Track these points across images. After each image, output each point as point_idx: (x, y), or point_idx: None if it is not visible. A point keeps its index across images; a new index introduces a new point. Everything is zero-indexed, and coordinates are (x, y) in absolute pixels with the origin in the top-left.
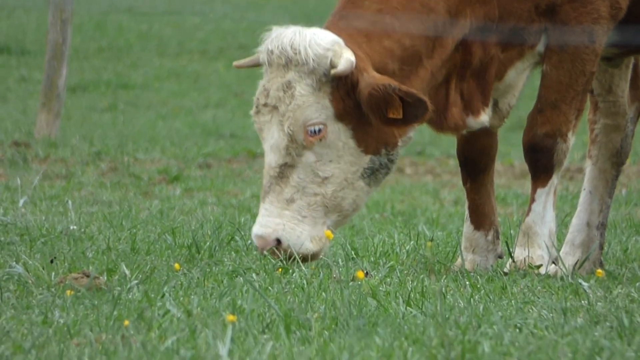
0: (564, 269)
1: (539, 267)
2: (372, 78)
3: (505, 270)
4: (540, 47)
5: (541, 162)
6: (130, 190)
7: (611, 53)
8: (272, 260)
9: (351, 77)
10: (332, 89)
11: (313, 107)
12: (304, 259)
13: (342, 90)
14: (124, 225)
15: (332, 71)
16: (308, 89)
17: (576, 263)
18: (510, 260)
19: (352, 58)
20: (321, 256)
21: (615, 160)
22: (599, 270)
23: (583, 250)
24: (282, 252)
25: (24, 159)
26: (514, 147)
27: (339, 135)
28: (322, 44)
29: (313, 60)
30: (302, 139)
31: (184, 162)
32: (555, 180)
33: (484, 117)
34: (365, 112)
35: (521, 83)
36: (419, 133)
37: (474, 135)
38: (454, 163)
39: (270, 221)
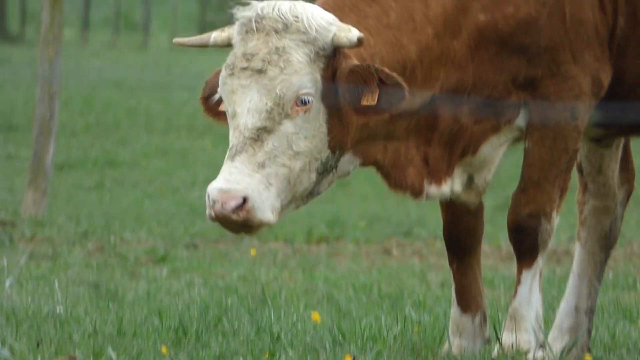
0: (551, 355)
1: (526, 352)
2: (354, 61)
3: (494, 355)
4: (520, 122)
5: (526, 243)
6: (116, 271)
7: (598, 134)
8: (222, 225)
9: (335, 60)
10: (325, 65)
11: (308, 76)
12: (258, 226)
13: (331, 70)
14: (110, 307)
15: (345, 40)
16: (305, 57)
17: (564, 348)
18: (498, 345)
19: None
20: (258, 232)
21: (605, 243)
22: (587, 356)
23: (571, 335)
24: (239, 214)
25: (10, 238)
26: (501, 228)
27: (318, 115)
28: (325, 17)
29: (316, 30)
30: (289, 106)
31: (170, 242)
32: (540, 261)
33: (445, 188)
34: (340, 97)
35: (497, 159)
36: (406, 213)
37: (459, 216)
38: (441, 244)
39: (240, 179)
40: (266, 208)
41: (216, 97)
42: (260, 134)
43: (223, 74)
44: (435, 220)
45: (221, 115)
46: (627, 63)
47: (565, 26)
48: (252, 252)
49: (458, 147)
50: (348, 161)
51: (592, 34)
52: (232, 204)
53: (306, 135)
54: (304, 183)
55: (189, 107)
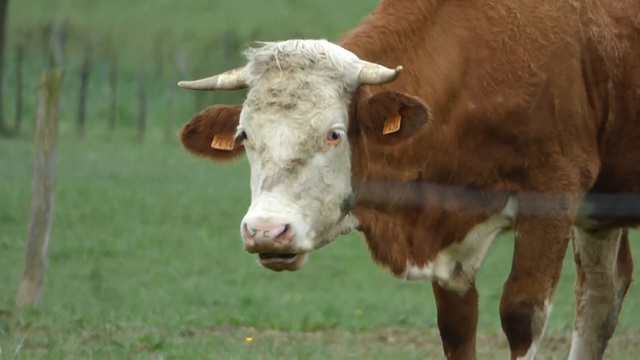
0: None
1: None
2: (372, 93)
3: None
4: (509, 212)
5: (519, 331)
6: (112, 359)
7: (592, 225)
8: (262, 255)
9: (358, 96)
10: (350, 102)
11: (339, 111)
12: (297, 255)
13: (354, 107)
14: None
15: (375, 76)
16: (335, 93)
17: None
18: None
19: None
20: (300, 267)
21: (602, 332)
22: None
23: None
24: (281, 241)
25: (6, 327)
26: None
27: (345, 150)
28: (350, 55)
29: (344, 67)
30: (323, 139)
31: (166, 330)
32: (534, 349)
33: (427, 271)
34: (363, 130)
35: (485, 247)
36: (402, 302)
37: (453, 304)
38: (437, 332)
39: (280, 208)
40: (305, 236)
41: (200, 130)
42: (294, 166)
43: (247, 109)
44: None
45: (204, 152)
46: (619, 157)
47: (554, 118)
48: (249, 339)
49: (442, 233)
50: (349, 219)
51: (580, 127)
52: (275, 231)
53: (334, 169)
54: (331, 218)
55: (184, 198)
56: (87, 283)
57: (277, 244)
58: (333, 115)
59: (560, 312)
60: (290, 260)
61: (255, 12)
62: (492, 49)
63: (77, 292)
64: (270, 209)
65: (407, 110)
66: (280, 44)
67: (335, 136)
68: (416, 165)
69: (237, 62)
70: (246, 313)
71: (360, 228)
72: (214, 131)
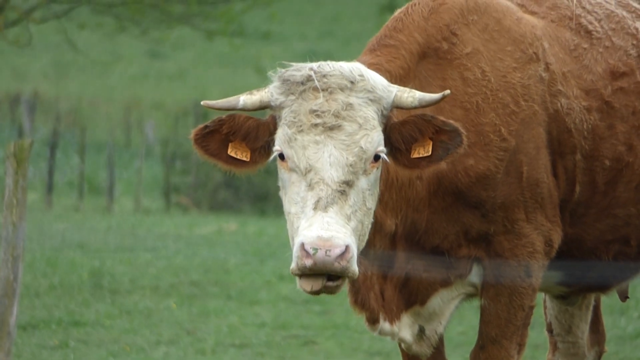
0: None
1: None
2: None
3: None
4: (473, 279)
5: None
6: None
7: (561, 291)
8: (314, 276)
9: (388, 119)
10: (383, 126)
11: (381, 134)
12: (349, 278)
13: (384, 130)
14: None
15: (411, 99)
16: (376, 116)
17: None
18: None
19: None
20: (339, 291)
21: None
22: None
23: None
24: (340, 262)
25: None
26: None
27: (379, 174)
28: (383, 78)
29: (381, 90)
30: (369, 162)
31: None
32: None
33: (395, 329)
34: (390, 151)
35: (449, 312)
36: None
37: None
38: None
39: (339, 229)
40: (356, 260)
41: (210, 131)
42: (345, 188)
43: (287, 131)
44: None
45: (216, 156)
46: (587, 228)
47: (522, 185)
48: None
49: (405, 294)
50: None
51: (546, 196)
52: (337, 251)
53: (372, 192)
54: (363, 242)
55: (153, 268)
56: (55, 353)
57: (336, 264)
58: (379, 137)
59: None
60: (337, 283)
61: (224, 81)
62: (465, 109)
63: None
64: (330, 229)
65: (442, 134)
66: (313, 65)
67: (377, 158)
68: (394, 215)
69: None
70: None
71: None
72: (232, 138)
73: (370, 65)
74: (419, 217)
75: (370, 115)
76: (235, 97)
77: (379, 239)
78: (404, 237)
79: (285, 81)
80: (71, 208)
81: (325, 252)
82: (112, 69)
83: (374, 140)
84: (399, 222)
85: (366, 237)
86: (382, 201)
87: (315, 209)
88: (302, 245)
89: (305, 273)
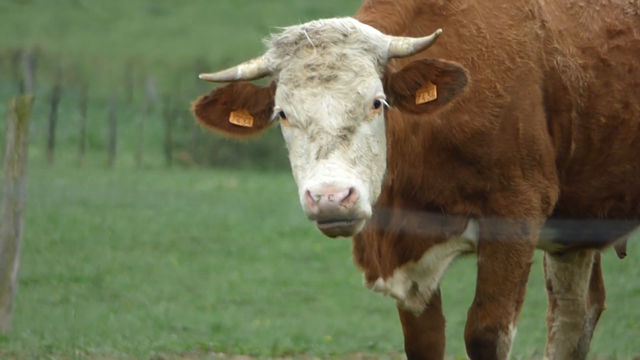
0: None
1: None
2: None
3: None
4: (469, 235)
5: (484, 356)
6: None
7: (557, 248)
8: (324, 221)
9: (387, 70)
10: (382, 75)
11: (379, 80)
12: (360, 220)
13: (384, 80)
14: None
15: (406, 46)
16: (372, 64)
17: None
18: None
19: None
20: (357, 232)
21: (573, 359)
22: None
23: None
24: (346, 205)
25: None
26: None
27: (383, 121)
28: (375, 30)
29: (375, 39)
30: (369, 107)
31: (135, 355)
32: None
33: (389, 285)
34: (395, 101)
35: (442, 269)
36: (371, 327)
37: (420, 331)
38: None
39: (341, 172)
40: (366, 199)
41: (213, 102)
42: (346, 134)
43: (284, 88)
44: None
45: (218, 125)
46: (582, 185)
47: (518, 142)
48: None
49: (400, 249)
50: None
51: (544, 153)
52: (340, 195)
53: (379, 139)
54: (377, 192)
55: (154, 224)
56: (56, 308)
57: (342, 208)
58: (377, 83)
59: (530, 338)
60: (351, 224)
61: (226, 39)
62: None
63: (46, 318)
64: (332, 174)
65: (445, 75)
66: (305, 24)
67: (377, 105)
68: (391, 171)
69: (208, 87)
70: (215, 339)
71: None
72: (233, 106)
73: (366, 22)
74: (415, 172)
75: (366, 64)
76: (233, 68)
77: (379, 195)
78: (400, 193)
79: (279, 44)
80: (72, 164)
81: (329, 197)
82: (113, 25)
83: (371, 85)
84: (395, 177)
85: (379, 183)
86: None
87: (317, 157)
88: (307, 192)
89: (316, 219)
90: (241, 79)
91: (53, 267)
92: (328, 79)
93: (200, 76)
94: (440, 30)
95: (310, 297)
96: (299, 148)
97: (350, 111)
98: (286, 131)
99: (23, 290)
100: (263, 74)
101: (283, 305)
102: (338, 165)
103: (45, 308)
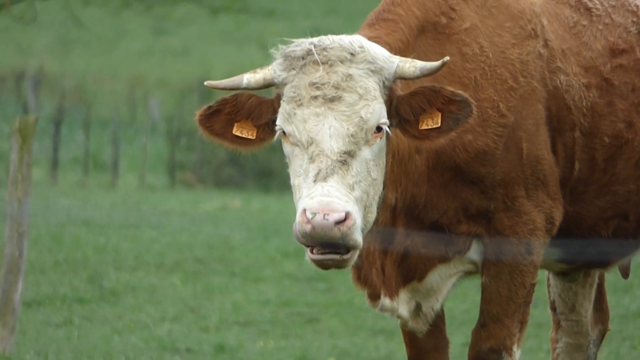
0: None
1: None
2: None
3: None
4: (473, 255)
5: None
6: None
7: (561, 268)
8: (315, 243)
9: (392, 91)
10: (386, 97)
11: (383, 104)
12: (351, 248)
13: (389, 102)
14: None
15: (412, 69)
16: (377, 86)
17: None
18: None
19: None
20: (350, 265)
21: None
22: None
23: None
24: (340, 228)
25: None
26: None
27: (384, 146)
28: (384, 49)
29: (382, 60)
30: (371, 132)
31: None
32: None
33: (395, 305)
34: (398, 125)
35: (446, 289)
36: (375, 349)
37: (424, 351)
38: None
39: (340, 196)
40: (360, 230)
41: (218, 113)
42: (346, 158)
43: (287, 107)
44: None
45: (221, 136)
46: (586, 205)
47: (522, 162)
48: None
49: (404, 269)
50: None
51: (547, 173)
52: (336, 216)
53: (377, 163)
54: (371, 215)
55: (157, 244)
56: (60, 330)
57: (336, 230)
58: (380, 108)
59: (534, 359)
60: (346, 256)
61: (228, 58)
62: (464, 85)
63: (50, 340)
64: (330, 195)
65: (451, 104)
66: (313, 39)
67: (379, 129)
68: (394, 189)
69: None
70: None
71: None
72: (237, 117)
73: (370, 39)
74: (419, 191)
75: (371, 86)
76: (239, 76)
77: (382, 213)
78: (404, 212)
79: (286, 57)
80: (76, 184)
81: (324, 216)
82: (116, 45)
83: (375, 110)
84: (399, 196)
85: (374, 208)
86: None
87: (315, 180)
88: (304, 210)
89: (308, 240)
90: (246, 88)
91: (57, 288)
92: (332, 100)
93: (205, 83)
94: (447, 57)
95: (314, 317)
96: (298, 167)
97: (352, 135)
98: (287, 148)
99: (26, 311)
100: (268, 85)
101: (287, 326)
102: (337, 189)
103: (49, 329)
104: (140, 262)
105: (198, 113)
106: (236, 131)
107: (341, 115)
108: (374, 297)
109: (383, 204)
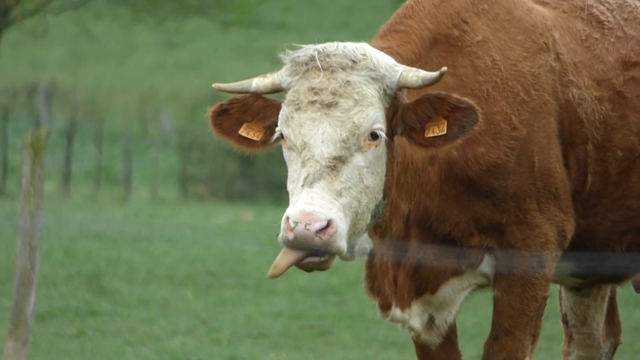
0: None
1: None
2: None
3: None
4: (485, 269)
5: None
6: None
7: (575, 283)
8: (298, 249)
9: (396, 100)
10: (388, 106)
11: (380, 112)
12: (334, 254)
13: (392, 111)
14: None
15: (415, 79)
16: (376, 93)
17: None
18: None
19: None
20: (330, 267)
21: None
22: None
23: None
24: (321, 237)
25: None
26: None
27: (382, 153)
28: (389, 58)
29: (385, 68)
30: (363, 138)
31: None
32: None
33: (407, 316)
34: (404, 133)
35: (458, 302)
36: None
37: None
38: None
39: (323, 204)
40: (343, 236)
41: (231, 112)
42: (335, 164)
43: (286, 110)
44: None
45: (228, 135)
46: (599, 218)
47: (534, 175)
48: None
49: (416, 281)
50: (365, 239)
51: (559, 186)
52: (317, 225)
53: (373, 171)
54: (363, 223)
55: (169, 257)
56: (72, 343)
57: (317, 239)
58: (375, 114)
59: None
60: (323, 259)
61: (240, 72)
62: (476, 97)
63: (62, 352)
64: (313, 204)
65: (456, 111)
66: (319, 45)
67: (375, 137)
68: (408, 200)
69: None
70: None
71: (371, 252)
72: (244, 118)
73: (382, 50)
74: (431, 203)
75: (369, 93)
76: (249, 80)
77: (395, 223)
78: (417, 223)
79: (293, 62)
80: (88, 198)
81: (305, 226)
82: (128, 59)
83: (369, 116)
84: (412, 207)
85: (367, 216)
86: (397, 184)
87: (303, 185)
88: (287, 219)
89: (291, 247)
90: (254, 92)
91: (69, 301)
92: (329, 105)
93: (213, 85)
94: (445, 68)
95: (326, 330)
96: (292, 172)
97: (344, 140)
98: (285, 152)
99: (39, 324)
100: (276, 90)
101: (299, 338)
102: (321, 195)
103: (62, 342)
104: (153, 275)
105: (210, 110)
106: (242, 131)
107: (336, 121)
108: (385, 307)
109: (396, 214)
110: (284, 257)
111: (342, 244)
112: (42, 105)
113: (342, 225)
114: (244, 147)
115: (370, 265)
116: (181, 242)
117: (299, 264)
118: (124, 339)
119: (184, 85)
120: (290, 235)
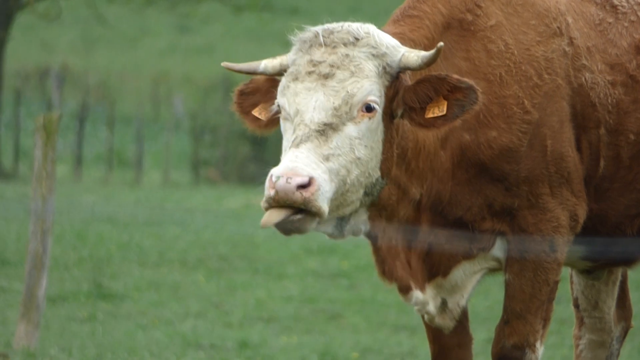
0: None
1: None
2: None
3: None
4: (497, 253)
5: None
6: None
7: (586, 266)
8: (277, 206)
9: (398, 82)
10: (388, 84)
11: (377, 85)
12: (313, 215)
13: (393, 91)
14: None
15: (416, 59)
16: (374, 69)
17: None
18: None
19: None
20: (308, 230)
21: None
22: None
23: None
24: (302, 193)
25: None
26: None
27: (378, 129)
28: (394, 40)
29: (386, 47)
30: (357, 108)
31: None
32: None
33: (427, 297)
34: (405, 113)
35: (471, 286)
36: (398, 345)
37: (447, 349)
38: None
39: (308, 162)
40: (326, 198)
41: (254, 100)
42: (325, 130)
43: (284, 81)
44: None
45: (245, 114)
46: (611, 202)
47: (546, 159)
48: None
49: (428, 265)
50: (363, 221)
51: (572, 170)
52: (298, 180)
53: (366, 144)
54: (352, 196)
55: (181, 241)
56: (84, 326)
57: (297, 194)
58: (370, 86)
59: (557, 356)
60: (298, 216)
61: (252, 56)
62: (489, 81)
63: (74, 335)
64: (296, 161)
65: (456, 92)
66: (325, 25)
67: (369, 109)
68: (419, 184)
69: None
70: (243, 356)
71: (369, 235)
72: (257, 99)
73: (394, 35)
74: (443, 187)
75: (367, 67)
76: (257, 61)
77: (403, 207)
78: (429, 208)
79: (299, 41)
80: (100, 181)
81: (286, 180)
82: (140, 42)
83: (364, 87)
84: (424, 191)
85: (358, 189)
86: (408, 168)
87: (291, 146)
88: (270, 176)
89: (272, 205)
90: (263, 73)
91: (81, 284)
92: (326, 76)
93: (222, 64)
94: (441, 43)
95: (337, 314)
96: (286, 141)
97: (335, 108)
98: (281, 123)
99: (51, 307)
100: (285, 70)
101: (310, 322)
102: (306, 155)
103: (73, 325)
104: (164, 259)
105: (237, 89)
106: (255, 112)
107: (330, 90)
108: (405, 289)
109: (405, 198)
110: (268, 217)
111: (324, 205)
112: (54, 88)
113: (325, 187)
114: (255, 127)
115: (376, 249)
116: (193, 225)
117: (277, 224)
118: (135, 323)
119: (196, 68)
120: (272, 192)
